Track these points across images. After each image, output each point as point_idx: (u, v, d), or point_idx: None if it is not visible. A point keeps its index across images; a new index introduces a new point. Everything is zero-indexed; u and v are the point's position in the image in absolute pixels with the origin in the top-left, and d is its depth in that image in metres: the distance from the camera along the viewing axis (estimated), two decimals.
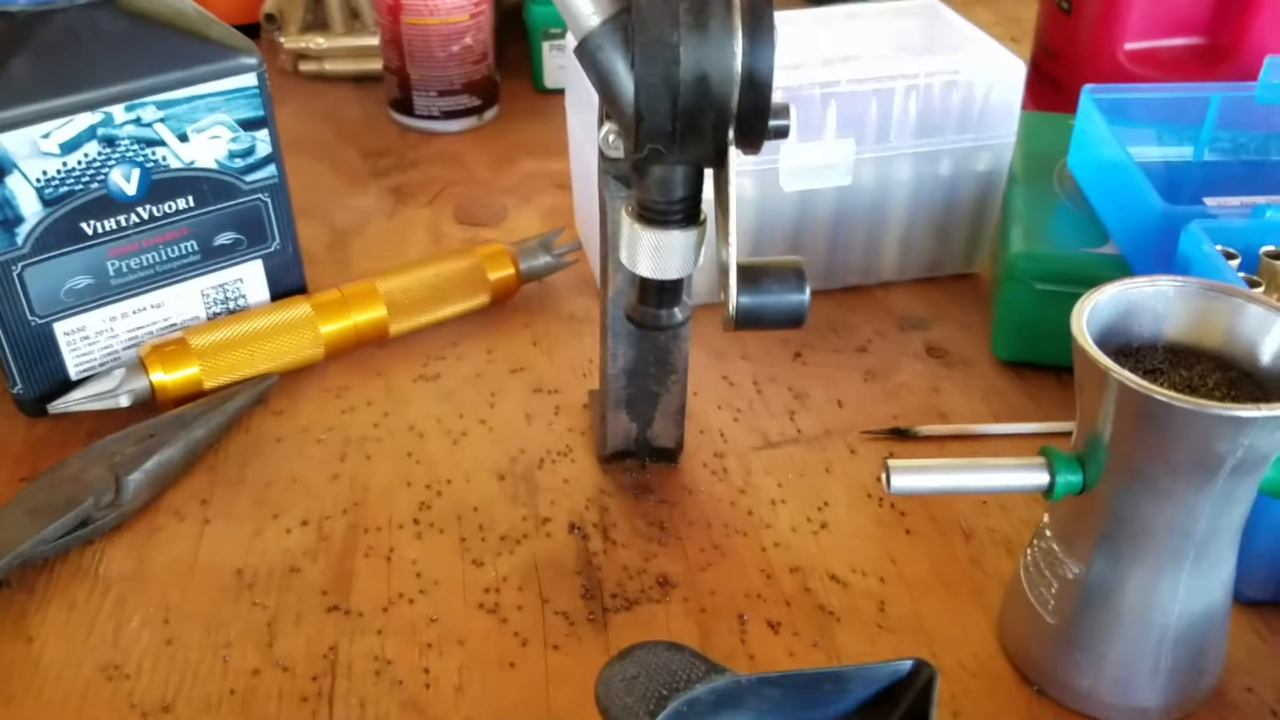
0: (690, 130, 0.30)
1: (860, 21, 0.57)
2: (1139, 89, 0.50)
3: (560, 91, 0.67)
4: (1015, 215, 0.50)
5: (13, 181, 0.41)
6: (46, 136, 0.41)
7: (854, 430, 0.47)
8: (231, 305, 0.49)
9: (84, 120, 0.42)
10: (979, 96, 0.51)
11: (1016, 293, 0.48)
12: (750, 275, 0.32)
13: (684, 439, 0.45)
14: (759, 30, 0.30)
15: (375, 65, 0.75)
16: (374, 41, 0.75)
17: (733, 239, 0.32)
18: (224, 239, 0.48)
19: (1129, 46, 0.58)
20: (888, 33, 0.57)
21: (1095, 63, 0.59)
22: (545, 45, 0.75)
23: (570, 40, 0.31)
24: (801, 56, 0.55)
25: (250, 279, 0.49)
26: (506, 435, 0.47)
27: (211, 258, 0.48)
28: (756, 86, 0.30)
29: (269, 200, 0.48)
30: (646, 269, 0.34)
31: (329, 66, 0.77)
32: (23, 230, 0.42)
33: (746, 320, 0.32)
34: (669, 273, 0.34)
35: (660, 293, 0.35)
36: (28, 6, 0.41)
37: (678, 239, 0.33)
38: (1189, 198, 0.50)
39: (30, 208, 0.42)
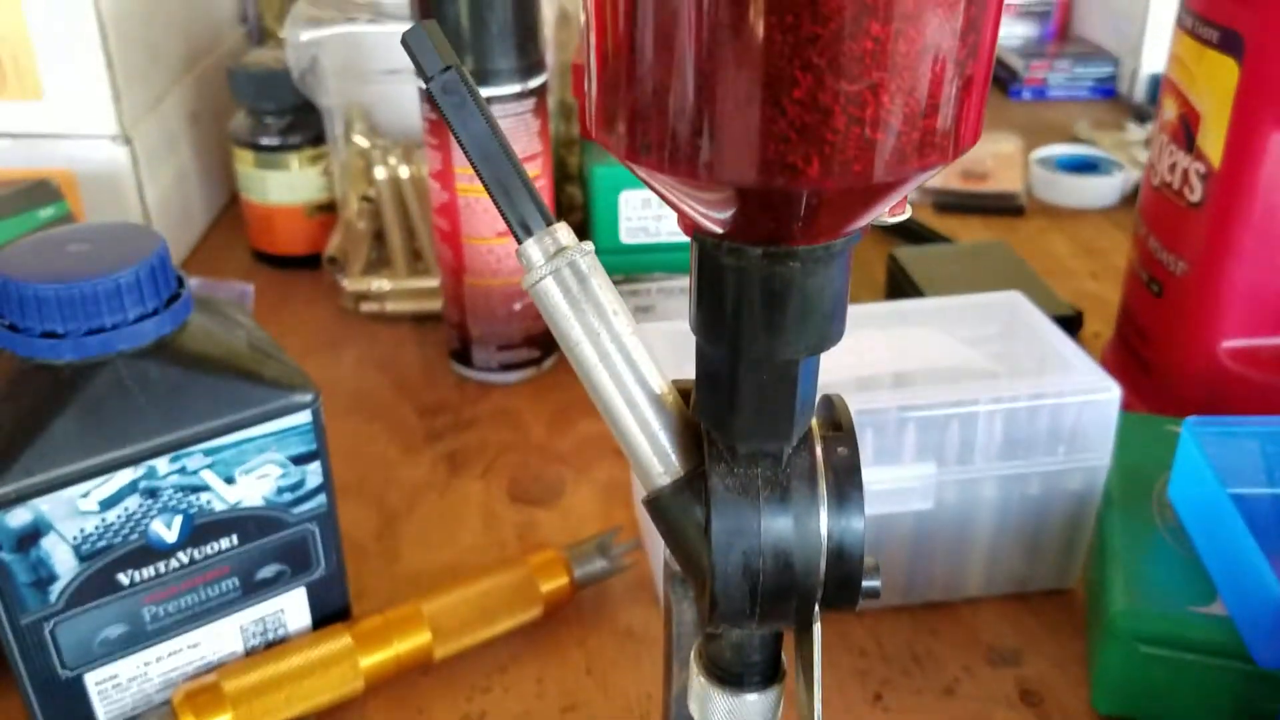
0: (770, 611, 0.27)
1: (936, 318, 0.55)
2: (1246, 423, 0.46)
3: None
4: (1113, 554, 0.46)
5: (48, 542, 0.39)
6: (86, 495, 0.40)
7: None
8: (271, 637, 0.46)
9: (125, 475, 0.40)
10: (1070, 418, 0.48)
11: (1118, 652, 0.44)
12: None
13: None
14: (847, 499, 0.27)
15: (436, 305, 0.74)
16: (435, 283, 0.74)
17: (817, 707, 0.29)
18: (266, 573, 0.45)
19: (1228, 344, 0.55)
20: (965, 331, 0.54)
21: (1190, 357, 0.56)
22: None
23: (638, 487, 0.29)
24: (873, 359, 0.53)
25: (292, 608, 0.47)
26: None
27: (252, 592, 0.45)
28: (845, 559, 0.27)
29: (316, 529, 0.46)
30: None
31: (390, 307, 0.76)
32: (56, 587, 0.40)
33: None
34: None
35: None
36: (74, 360, 0.40)
37: (754, 703, 0.30)
38: None
39: (65, 565, 0.40)
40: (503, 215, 0.28)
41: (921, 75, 0.19)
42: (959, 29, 0.19)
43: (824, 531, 0.27)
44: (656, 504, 0.28)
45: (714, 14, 0.19)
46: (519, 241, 0.28)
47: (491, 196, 0.28)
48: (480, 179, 0.28)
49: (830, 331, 0.25)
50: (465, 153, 0.27)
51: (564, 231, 0.28)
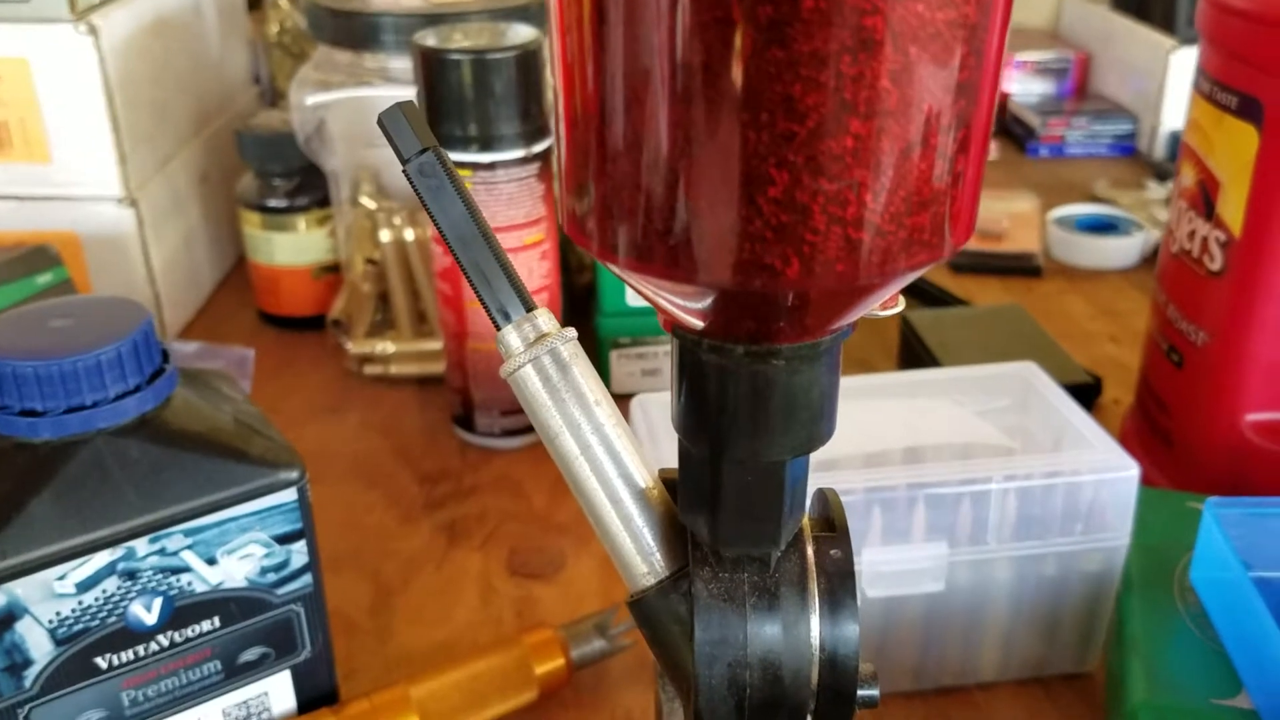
0: None
1: (949, 389, 0.53)
2: (1272, 504, 0.44)
3: (629, 395, 0.65)
4: (1133, 641, 0.44)
5: (23, 626, 0.38)
6: (62, 578, 0.38)
7: None
8: None
9: (104, 557, 0.39)
10: (1087, 496, 0.46)
11: None
12: None
13: None
14: (840, 605, 0.25)
15: (440, 367, 0.73)
16: (439, 346, 0.73)
17: None
18: (250, 655, 0.44)
19: (1251, 417, 0.53)
20: (978, 402, 0.53)
21: (1212, 430, 0.54)
22: (614, 354, 0.72)
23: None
24: (884, 433, 0.51)
25: (276, 691, 0.45)
26: None
27: (235, 675, 0.44)
28: (839, 669, 0.26)
29: (301, 610, 0.44)
30: None
31: (394, 369, 0.75)
32: (31, 672, 0.39)
33: None
34: None
35: None
36: (52, 439, 0.39)
37: None
38: None
39: (41, 649, 0.39)
40: (481, 301, 0.27)
41: (907, 173, 0.18)
42: (948, 124, 0.18)
43: (815, 640, 0.25)
44: (640, 606, 0.27)
45: (686, 108, 0.18)
46: (497, 328, 0.27)
47: (470, 281, 0.27)
48: (458, 263, 0.27)
49: (819, 431, 0.23)
50: (442, 236, 0.26)
51: (545, 318, 0.27)
